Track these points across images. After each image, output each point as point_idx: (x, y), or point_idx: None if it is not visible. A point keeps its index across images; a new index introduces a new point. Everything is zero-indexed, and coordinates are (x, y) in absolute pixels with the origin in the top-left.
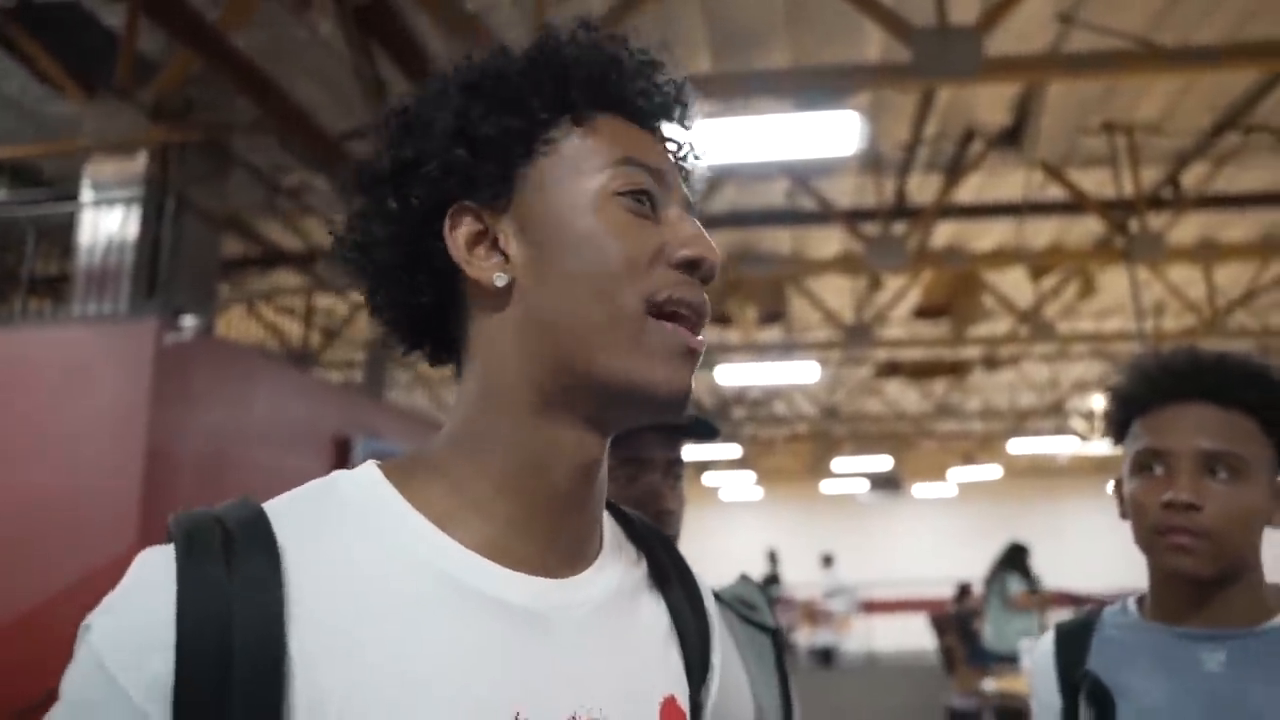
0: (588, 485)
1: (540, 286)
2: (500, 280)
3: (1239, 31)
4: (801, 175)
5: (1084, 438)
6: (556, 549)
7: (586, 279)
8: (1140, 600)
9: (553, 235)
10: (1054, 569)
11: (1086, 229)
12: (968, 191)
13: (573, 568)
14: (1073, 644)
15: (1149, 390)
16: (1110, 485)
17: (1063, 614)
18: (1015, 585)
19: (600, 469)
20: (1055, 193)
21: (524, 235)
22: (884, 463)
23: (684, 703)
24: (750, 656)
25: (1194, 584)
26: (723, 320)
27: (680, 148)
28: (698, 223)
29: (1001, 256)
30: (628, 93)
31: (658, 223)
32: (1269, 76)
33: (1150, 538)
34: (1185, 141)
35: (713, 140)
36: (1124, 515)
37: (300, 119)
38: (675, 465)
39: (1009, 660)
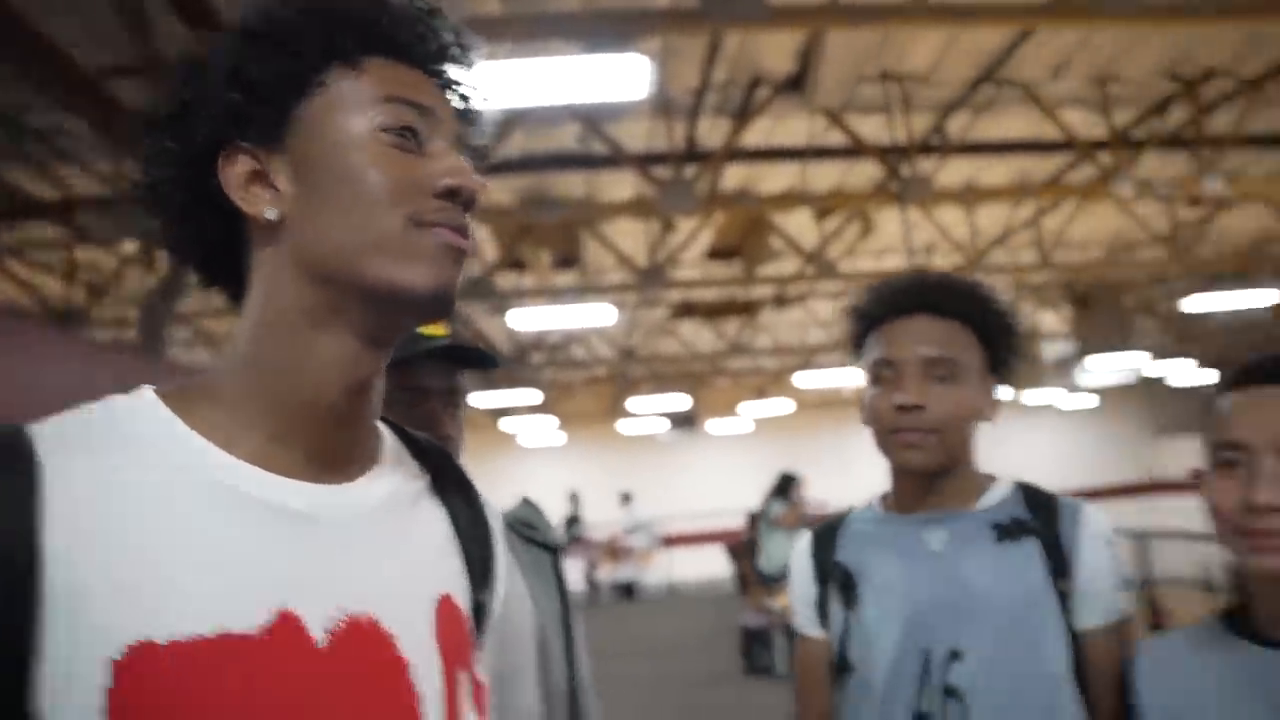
0: (360, 398)
1: (309, 218)
2: (271, 214)
3: None
4: (593, 119)
5: None
6: (325, 458)
7: (350, 207)
8: (883, 497)
9: (322, 170)
10: (843, 495)
11: (865, 173)
12: (755, 136)
13: (346, 475)
14: (825, 540)
15: (879, 306)
16: (859, 400)
17: None
18: (778, 508)
19: (373, 385)
20: (836, 138)
21: (296, 172)
22: (681, 402)
23: (462, 602)
24: (531, 574)
25: (921, 476)
26: (517, 265)
27: (458, 88)
28: (462, 156)
29: (788, 199)
30: (400, 37)
31: (423, 156)
32: (1018, 34)
33: (885, 438)
34: (950, 92)
35: (501, 82)
36: (865, 422)
37: (52, 54)
38: (454, 394)
39: (783, 578)
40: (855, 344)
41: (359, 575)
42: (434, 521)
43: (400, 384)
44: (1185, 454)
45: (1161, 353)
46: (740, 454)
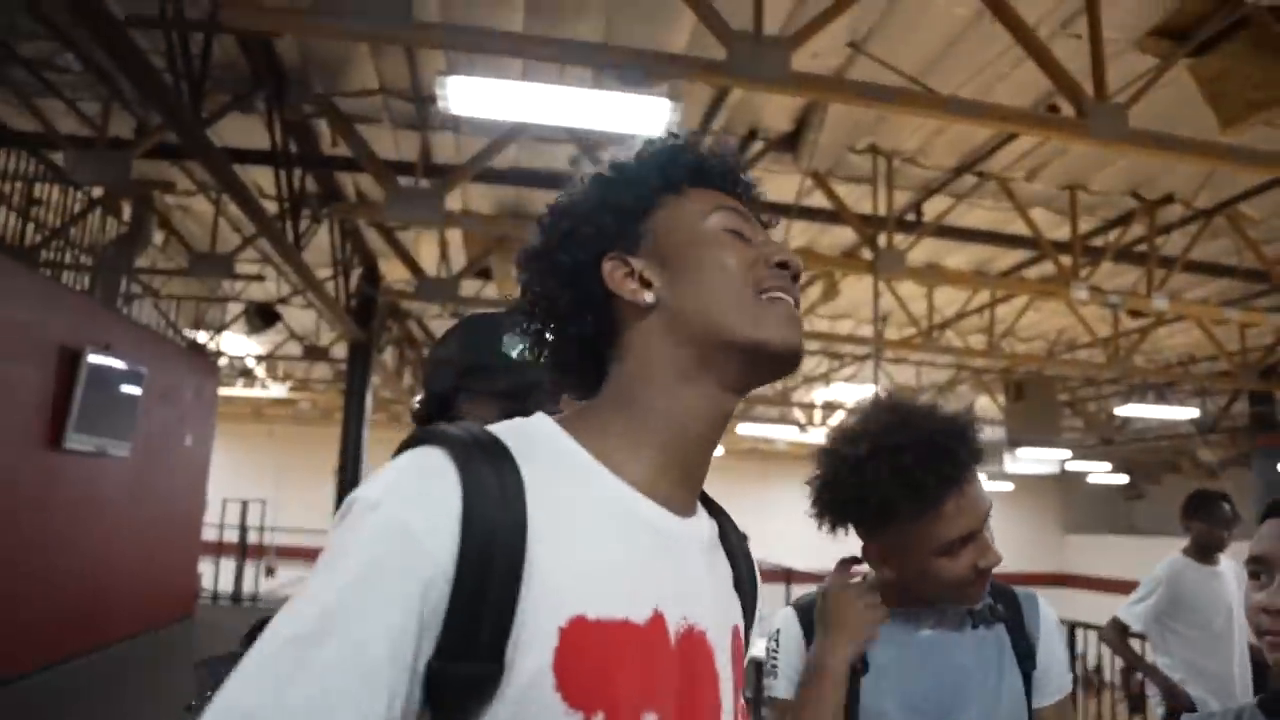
0: (712, 445)
1: (678, 295)
2: (649, 298)
3: (987, 92)
4: (590, 144)
5: (802, 427)
6: (684, 493)
7: (713, 284)
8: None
9: (682, 261)
10: (763, 544)
11: (839, 237)
12: None
13: (690, 511)
14: (812, 620)
15: (923, 495)
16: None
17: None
18: None
19: (721, 432)
20: (819, 200)
21: (659, 266)
22: None
23: (743, 635)
24: None
25: None
26: (483, 274)
27: (754, 201)
28: (776, 239)
29: None
30: (711, 173)
31: (752, 244)
32: (1002, 134)
33: (959, 592)
34: (932, 175)
35: (513, 97)
36: (885, 574)
37: None
38: None
39: None
40: (867, 521)
41: (699, 595)
42: (725, 563)
43: (505, 407)
44: (1090, 551)
45: (1082, 452)
46: None
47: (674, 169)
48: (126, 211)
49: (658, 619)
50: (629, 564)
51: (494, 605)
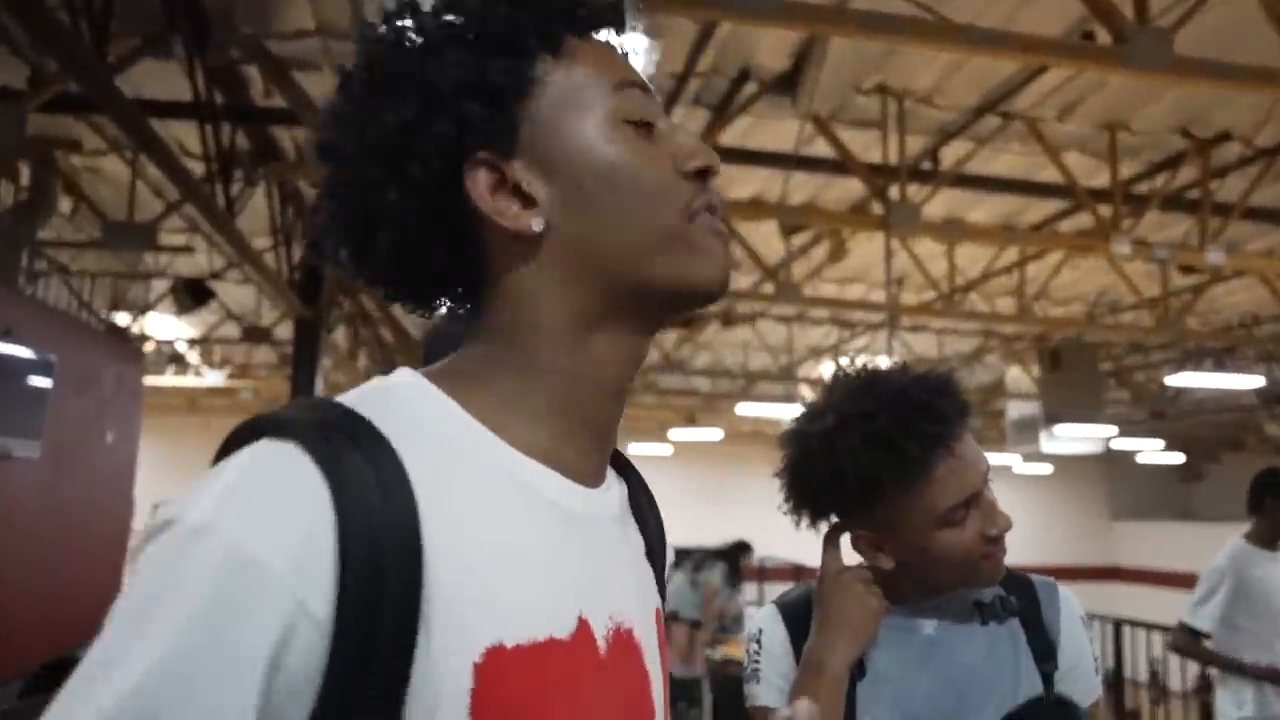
0: (624, 395)
1: (577, 221)
2: (538, 225)
3: (1011, 20)
4: None
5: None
6: (591, 460)
7: (627, 207)
8: None
9: (578, 171)
10: (769, 540)
11: (845, 190)
12: (733, 134)
13: (600, 478)
14: (801, 615)
15: (908, 461)
16: (859, 544)
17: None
18: (715, 575)
19: (633, 377)
20: (821, 149)
21: (544, 174)
22: None
23: (662, 611)
24: None
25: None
26: None
27: (636, 50)
28: (687, 129)
29: (758, 207)
30: (596, 10)
31: (656, 139)
32: (1030, 68)
33: (972, 569)
34: (950, 117)
35: None
36: (883, 564)
37: None
38: None
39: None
40: (850, 501)
41: (617, 581)
42: (638, 532)
43: None
44: (1142, 540)
45: (1130, 429)
46: (657, 479)
47: (549, 8)
48: (25, 175)
49: (583, 627)
50: (545, 564)
51: (387, 651)
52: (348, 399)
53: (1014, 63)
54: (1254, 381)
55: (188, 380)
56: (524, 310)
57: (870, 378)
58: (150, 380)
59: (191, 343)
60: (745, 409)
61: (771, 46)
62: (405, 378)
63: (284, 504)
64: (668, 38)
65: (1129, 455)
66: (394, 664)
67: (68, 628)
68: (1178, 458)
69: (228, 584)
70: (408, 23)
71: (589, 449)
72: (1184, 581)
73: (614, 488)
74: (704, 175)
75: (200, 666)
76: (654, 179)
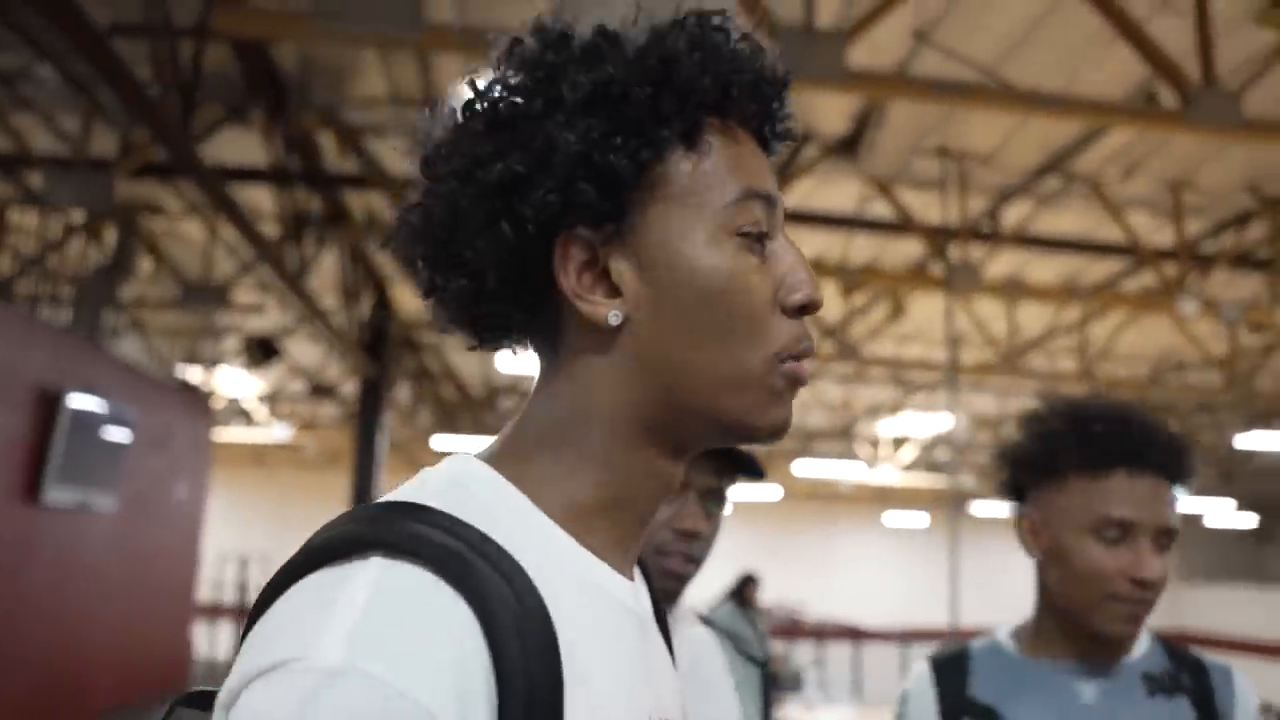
0: (651, 517)
1: (658, 326)
2: (615, 319)
3: (1073, 82)
4: None
5: (869, 464)
6: (629, 559)
7: (712, 331)
8: (1015, 636)
9: (672, 273)
10: (825, 598)
11: (905, 250)
12: (796, 196)
13: (633, 578)
14: (952, 672)
15: (1103, 451)
16: (1014, 522)
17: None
18: (726, 611)
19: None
20: (881, 210)
21: (639, 270)
22: None
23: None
24: (742, 687)
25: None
26: None
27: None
28: (798, 250)
29: (820, 269)
30: (749, 110)
31: (765, 257)
32: (1093, 129)
33: (1103, 603)
34: (1011, 178)
35: None
36: (1034, 555)
37: None
38: (719, 495)
39: None
40: (1033, 473)
41: (662, 680)
42: (658, 631)
43: None
44: (1214, 605)
45: (1199, 489)
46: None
47: (704, 92)
48: (110, 238)
49: None
50: (629, 671)
51: None
52: (425, 498)
53: (1076, 124)
54: None
55: (254, 434)
56: (587, 398)
57: (1114, 400)
58: (220, 434)
59: (260, 399)
60: (802, 468)
61: (831, 110)
62: (476, 469)
63: (433, 636)
64: None
65: (1197, 518)
66: None
67: (138, 674)
68: (1251, 519)
69: None
70: (551, 58)
71: (631, 551)
72: (1262, 650)
73: (641, 586)
74: (804, 310)
75: None
76: (755, 310)
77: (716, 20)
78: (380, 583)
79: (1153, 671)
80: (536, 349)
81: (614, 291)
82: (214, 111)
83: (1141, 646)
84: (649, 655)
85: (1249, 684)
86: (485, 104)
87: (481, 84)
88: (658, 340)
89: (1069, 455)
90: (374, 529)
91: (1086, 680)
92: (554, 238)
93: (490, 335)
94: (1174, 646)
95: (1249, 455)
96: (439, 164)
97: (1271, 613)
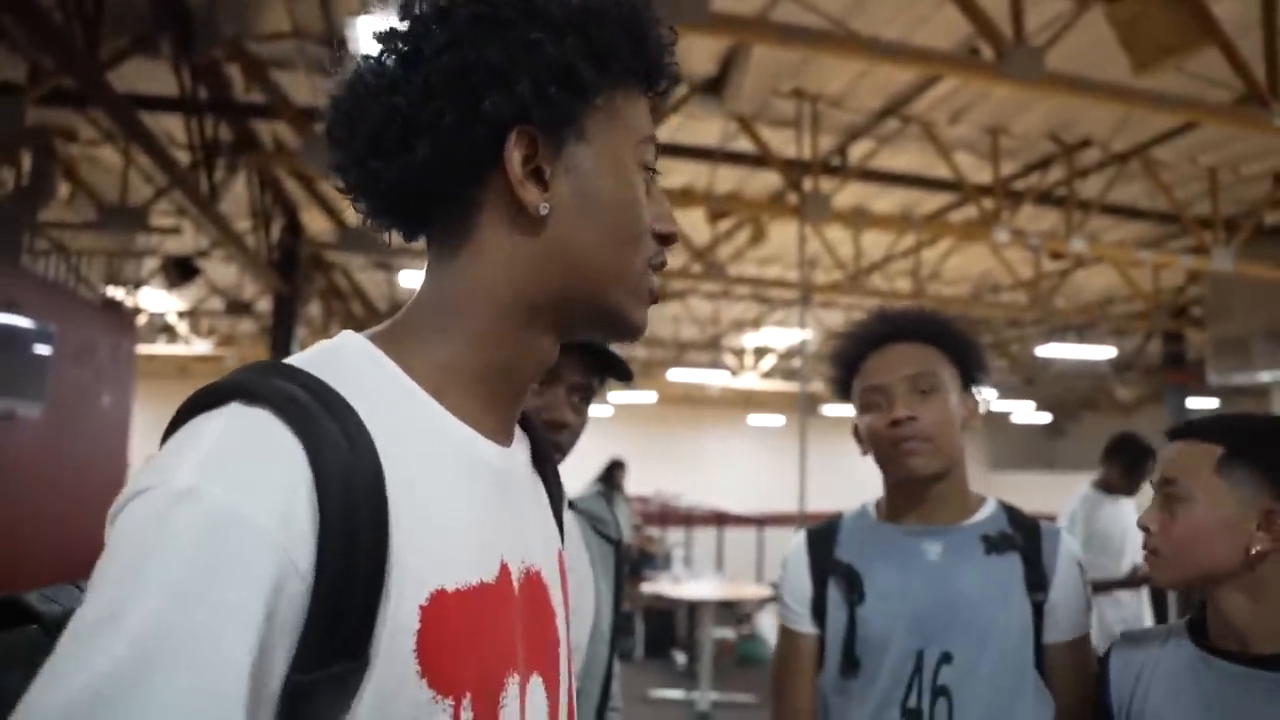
0: (529, 386)
1: (575, 226)
2: (544, 210)
3: (909, 34)
4: None
5: (734, 372)
6: (506, 425)
7: (616, 234)
8: (876, 506)
9: (596, 187)
10: (696, 489)
11: (765, 181)
12: (667, 131)
13: (510, 439)
14: (822, 540)
15: (859, 345)
16: (851, 430)
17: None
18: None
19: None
20: (743, 145)
21: (566, 176)
22: None
23: (561, 553)
24: (596, 561)
25: (919, 486)
26: None
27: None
28: (666, 197)
29: (688, 196)
30: (659, 67)
31: (651, 196)
32: (925, 77)
33: (887, 453)
34: (856, 119)
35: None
36: (865, 451)
37: None
38: (585, 390)
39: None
40: (842, 388)
41: (528, 529)
42: (540, 484)
43: None
44: (1017, 488)
45: (1007, 392)
46: (600, 438)
47: (635, 47)
48: (26, 162)
49: (504, 571)
50: (477, 517)
51: (359, 599)
52: (298, 361)
53: (911, 72)
54: (1107, 352)
55: (177, 348)
56: (486, 283)
57: (888, 308)
58: (144, 348)
59: (180, 315)
60: (676, 375)
61: (699, 53)
62: (352, 341)
63: (266, 466)
64: None
65: (1005, 415)
66: (365, 609)
67: (70, 571)
68: (1045, 417)
69: (219, 542)
70: None
71: (507, 416)
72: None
73: (521, 447)
74: (666, 240)
75: (196, 621)
76: (641, 226)
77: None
78: (229, 423)
79: (990, 533)
80: (440, 236)
81: (544, 189)
82: (121, 42)
83: (985, 512)
84: (513, 506)
85: (1074, 544)
86: (470, 4)
87: None
88: (567, 235)
89: (850, 355)
90: (236, 382)
91: (932, 541)
92: (505, 130)
93: (407, 221)
94: (1015, 514)
95: (1048, 363)
96: (413, 43)
97: (1061, 494)
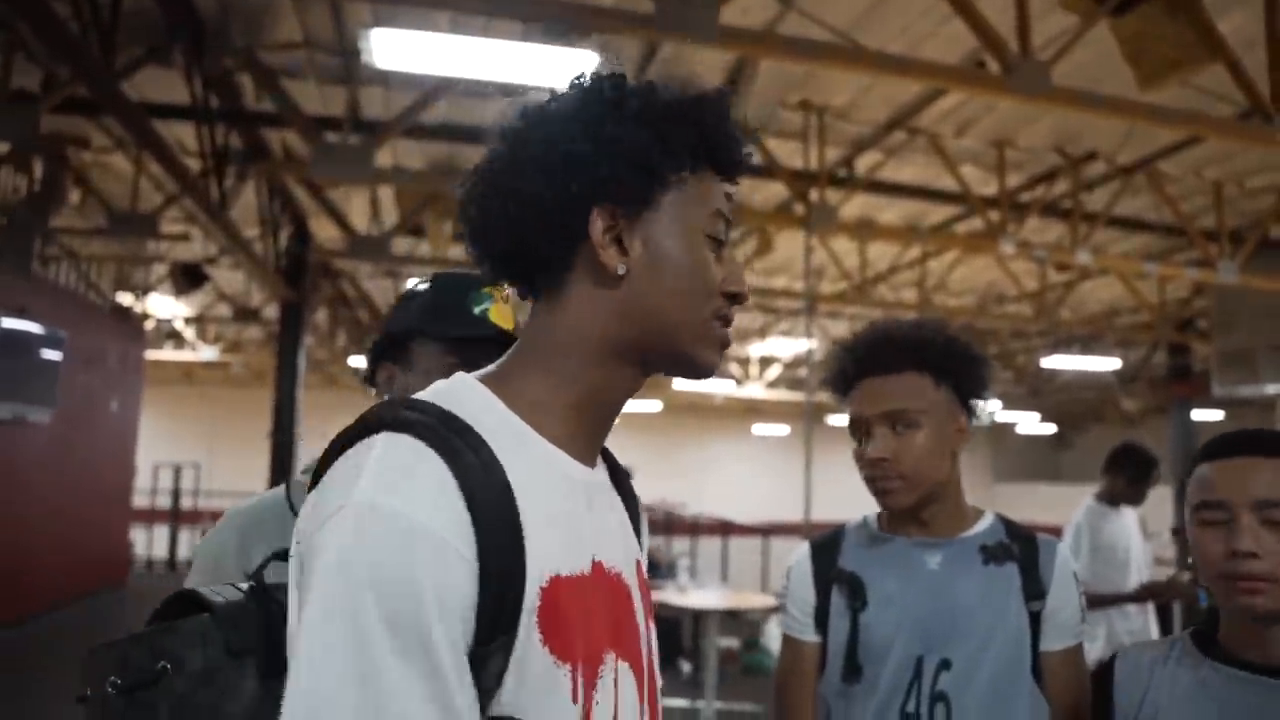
0: (616, 415)
1: (648, 283)
2: (622, 269)
3: (916, 48)
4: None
5: (739, 381)
6: (592, 449)
7: (685, 292)
8: (878, 517)
9: (666, 252)
10: (701, 498)
11: (771, 193)
12: None
13: (595, 463)
14: (826, 550)
15: (842, 378)
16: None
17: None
18: None
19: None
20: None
21: (643, 242)
22: None
23: (643, 563)
24: None
25: (906, 510)
26: (416, 231)
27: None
28: (741, 264)
29: None
30: (730, 158)
31: (721, 256)
32: (931, 90)
33: (869, 486)
34: (863, 131)
35: (441, 51)
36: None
37: None
38: None
39: None
40: (840, 399)
41: (612, 538)
42: (620, 503)
43: (455, 358)
44: (1021, 499)
45: (1012, 403)
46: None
47: (706, 140)
48: (38, 169)
49: (597, 567)
50: (575, 523)
51: (510, 585)
52: (434, 398)
53: (917, 85)
54: (1113, 364)
55: (184, 354)
56: (576, 332)
57: (884, 323)
58: (151, 354)
59: (188, 321)
60: (682, 384)
61: (708, 66)
62: (465, 381)
63: (425, 482)
64: (616, 58)
65: (1010, 426)
66: (513, 593)
67: (79, 572)
68: (1050, 428)
69: (413, 544)
70: (612, 87)
71: (593, 441)
72: (1055, 532)
73: (603, 469)
74: (735, 299)
75: (425, 616)
76: (709, 286)
77: (726, 97)
78: (386, 449)
79: (988, 543)
80: (541, 292)
81: (623, 253)
82: (135, 51)
83: (983, 524)
84: (598, 518)
85: (1069, 555)
86: (611, 95)
87: (562, 93)
88: (642, 291)
89: (848, 376)
90: (380, 415)
91: (933, 551)
92: (590, 205)
93: (519, 281)
94: (1013, 525)
95: (1052, 374)
96: (526, 134)
97: (1067, 506)
